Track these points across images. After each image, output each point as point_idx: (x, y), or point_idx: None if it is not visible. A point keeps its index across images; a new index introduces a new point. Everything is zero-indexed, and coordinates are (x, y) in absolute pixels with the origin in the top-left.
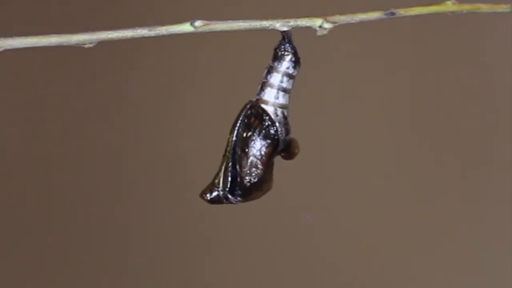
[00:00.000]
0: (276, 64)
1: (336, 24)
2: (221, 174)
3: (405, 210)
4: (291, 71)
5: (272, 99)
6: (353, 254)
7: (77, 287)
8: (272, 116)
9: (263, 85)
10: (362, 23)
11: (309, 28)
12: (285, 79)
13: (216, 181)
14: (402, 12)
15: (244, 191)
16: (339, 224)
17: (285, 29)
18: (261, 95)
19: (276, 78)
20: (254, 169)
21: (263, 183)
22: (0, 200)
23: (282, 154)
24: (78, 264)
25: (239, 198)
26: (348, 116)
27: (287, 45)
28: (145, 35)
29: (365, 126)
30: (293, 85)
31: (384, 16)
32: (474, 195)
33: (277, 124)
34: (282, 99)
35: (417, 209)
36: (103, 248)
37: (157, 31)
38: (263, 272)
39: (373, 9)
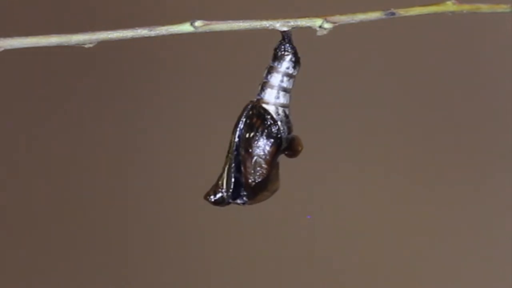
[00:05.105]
0: (276, 64)
1: (336, 24)
2: (225, 175)
3: (407, 210)
4: (291, 71)
5: (273, 99)
6: (354, 255)
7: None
8: (274, 115)
9: (264, 85)
10: (362, 23)
11: (309, 28)
12: (285, 78)
13: (220, 182)
14: (402, 12)
15: (250, 192)
16: (340, 224)
17: (285, 29)
18: (262, 95)
19: (276, 78)
20: (258, 168)
21: (268, 183)
22: (0, 200)
23: (286, 153)
24: (78, 265)
25: (245, 199)
26: (348, 116)
27: (287, 45)
28: (145, 35)
29: (365, 125)
30: (293, 85)
31: (384, 16)
32: (475, 196)
33: (279, 123)
34: (283, 99)
35: (420, 209)
36: (104, 250)
37: (157, 31)
38: (264, 273)
39: (373, 9)
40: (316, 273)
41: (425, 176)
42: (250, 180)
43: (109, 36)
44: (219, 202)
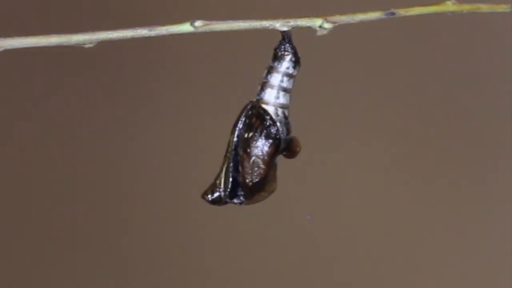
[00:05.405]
0: (276, 64)
1: (336, 24)
2: (222, 175)
3: (406, 210)
4: (291, 71)
5: (273, 99)
6: (354, 255)
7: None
8: (273, 116)
9: (263, 85)
10: (362, 23)
11: (309, 28)
12: (285, 79)
13: (218, 181)
14: (402, 12)
15: (247, 192)
16: (340, 224)
17: (285, 29)
18: (262, 95)
19: (276, 78)
20: (256, 169)
21: (266, 184)
22: (0, 200)
23: (284, 153)
24: (78, 265)
25: (242, 199)
26: (348, 116)
27: (287, 45)
28: (145, 35)
29: (365, 126)
30: (293, 85)
31: (384, 16)
32: (475, 195)
33: (278, 124)
34: (282, 99)
35: (420, 209)
36: (103, 249)
37: (157, 31)
38: (264, 273)
39: (373, 9)
40: (315, 273)
41: (425, 176)
42: (247, 180)
43: (109, 36)
44: (217, 201)
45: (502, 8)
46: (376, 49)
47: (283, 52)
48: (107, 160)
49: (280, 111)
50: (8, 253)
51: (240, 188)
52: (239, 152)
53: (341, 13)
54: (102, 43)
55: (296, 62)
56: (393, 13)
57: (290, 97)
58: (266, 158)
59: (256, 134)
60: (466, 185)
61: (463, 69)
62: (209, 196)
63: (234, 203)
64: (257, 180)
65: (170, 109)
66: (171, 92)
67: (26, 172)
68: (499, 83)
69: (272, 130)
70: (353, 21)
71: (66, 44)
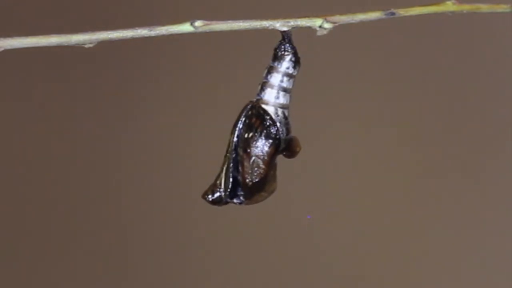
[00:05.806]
0: (276, 64)
1: (336, 24)
2: (223, 175)
3: (407, 210)
4: (291, 71)
5: (273, 99)
6: (354, 255)
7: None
8: (273, 116)
9: (263, 85)
10: (362, 23)
11: (309, 28)
12: (285, 79)
13: (218, 182)
14: (402, 12)
15: (247, 192)
16: (340, 224)
17: (285, 29)
18: (262, 95)
19: (276, 78)
20: (256, 169)
21: (266, 184)
22: (0, 200)
23: (284, 153)
24: (78, 265)
25: (242, 199)
26: (348, 116)
27: (287, 45)
28: (145, 35)
29: (365, 125)
30: (293, 85)
31: (384, 16)
32: (474, 195)
33: (278, 124)
34: (282, 99)
35: (420, 209)
36: (104, 249)
37: (157, 31)
38: (264, 273)
39: (373, 9)
40: (315, 273)
41: (426, 176)
42: (247, 180)
43: (109, 36)
44: (217, 202)
45: (502, 8)
46: (376, 49)
47: (283, 52)
48: (106, 160)
49: (280, 111)
50: (8, 253)
51: (240, 188)
52: (239, 152)
53: (341, 13)
54: (102, 43)
55: (296, 62)
56: (393, 13)
57: (290, 97)
58: (266, 158)
59: (256, 134)
60: (465, 185)
61: (463, 69)
62: (210, 196)
63: (234, 203)
64: (257, 180)
65: (170, 109)
66: (171, 92)
67: (26, 172)
68: (499, 83)
69: (272, 130)
70: (353, 21)
71: (66, 44)
